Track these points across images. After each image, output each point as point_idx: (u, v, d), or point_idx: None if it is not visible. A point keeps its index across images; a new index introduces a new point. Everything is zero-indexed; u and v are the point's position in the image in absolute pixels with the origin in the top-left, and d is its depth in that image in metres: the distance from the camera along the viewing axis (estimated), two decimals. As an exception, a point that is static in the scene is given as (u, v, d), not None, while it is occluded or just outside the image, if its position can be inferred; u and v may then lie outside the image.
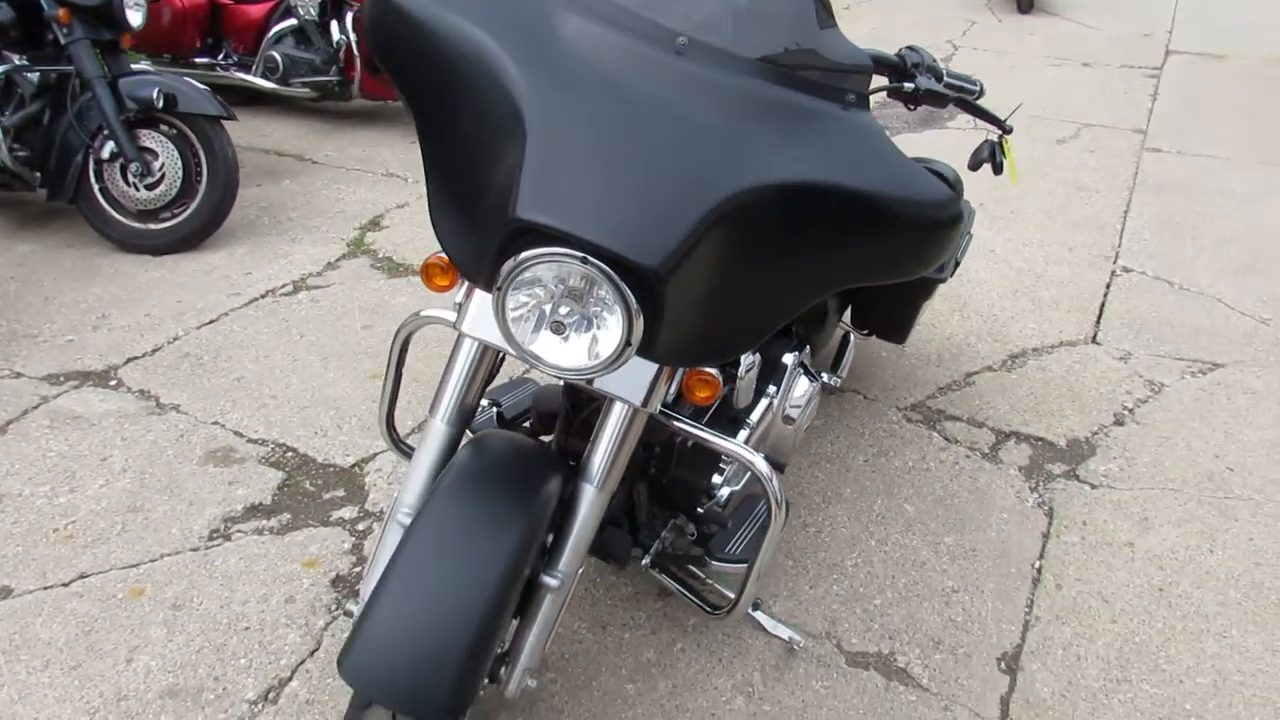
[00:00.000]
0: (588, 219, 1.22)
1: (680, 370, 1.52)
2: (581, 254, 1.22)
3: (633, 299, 1.22)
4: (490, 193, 1.32)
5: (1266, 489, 2.44)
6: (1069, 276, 3.55)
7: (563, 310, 1.30)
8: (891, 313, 2.32)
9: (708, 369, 1.49)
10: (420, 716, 1.23)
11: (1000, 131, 1.76)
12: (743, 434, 1.87)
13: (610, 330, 1.27)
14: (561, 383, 1.83)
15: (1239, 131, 5.17)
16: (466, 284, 1.51)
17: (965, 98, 1.63)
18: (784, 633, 1.92)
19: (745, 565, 1.77)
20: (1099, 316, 3.29)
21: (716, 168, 1.27)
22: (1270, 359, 3.05)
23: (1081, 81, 6.03)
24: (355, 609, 1.50)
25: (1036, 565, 2.18)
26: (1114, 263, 3.69)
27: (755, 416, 1.90)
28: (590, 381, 1.42)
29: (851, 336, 2.45)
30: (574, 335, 1.31)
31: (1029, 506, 2.36)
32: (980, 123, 1.69)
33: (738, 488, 1.87)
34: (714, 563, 1.82)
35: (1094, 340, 3.14)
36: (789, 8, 1.38)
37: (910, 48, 1.61)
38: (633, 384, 1.44)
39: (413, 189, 4.15)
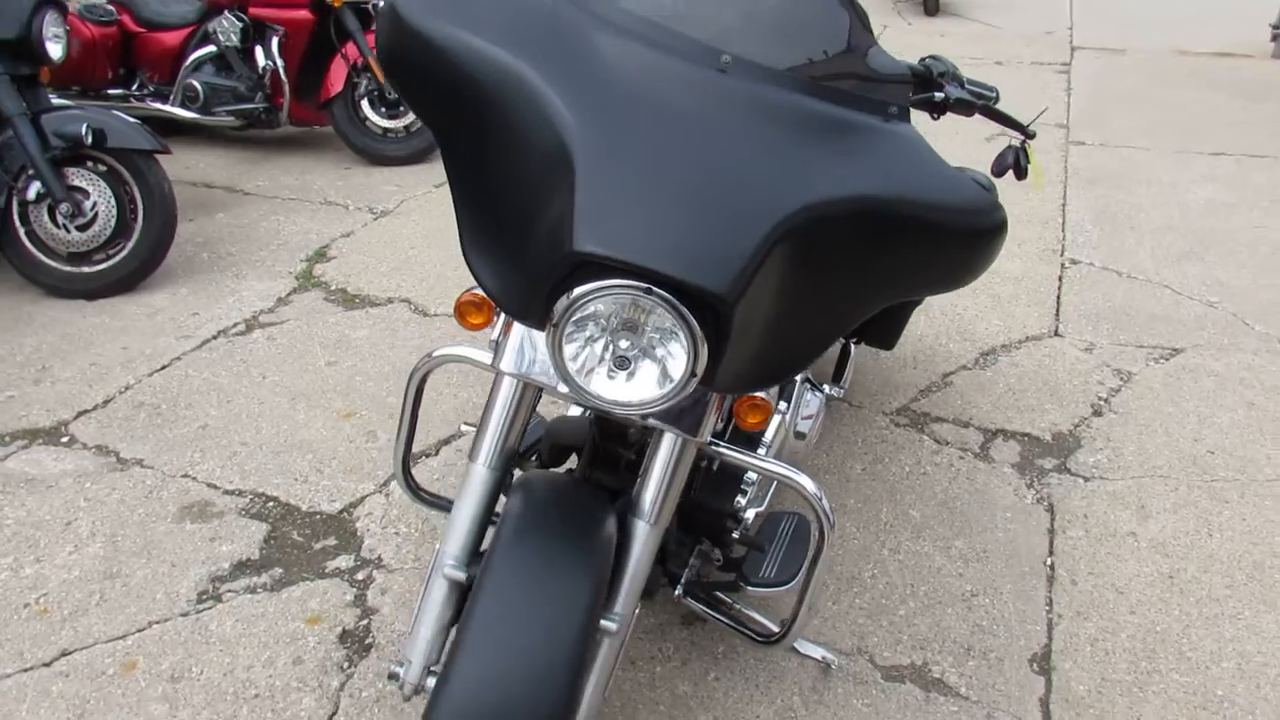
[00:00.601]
0: (650, 248, 1.17)
1: (729, 396, 1.47)
2: (645, 285, 1.17)
3: (698, 328, 1.18)
4: (537, 225, 1.25)
5: (1248, 469, 2.51)
6: (1022, 271, 3.63)
7: (623, 344, 1.24)
8: (886, 320, 2.32)
9: (759, 393, 1.45)
10: None
11: (1023, 136, 1.77)
12: (760, 453, 1.83)
13: (675, 361, 1.22)
14: (584, 413, 1.77)
15: (1152, 122, 5.38)
16: (502, 321, 1.44)
17: (989, 104, 1.63)
18: (816, 652, 1.88)
19: (784, 587, 1.73)
20: (1057, 309, 3.37)
21: (774, 186, 1.23)
22: (1224, 341, 3.15)
23: (998, 79, 6.17)
24: (402, 671, 1.41)
25: (1048, 562, 2.20)
26: (1061, 255, 3.78)
27: (770, 435, 1.87)
28: (644, 415, 1.37)
29: (851, 346, 2.44)
30: (634, 369, 1.26)
31: (1029, 504, 2.38)
32: (1004, 129, 1.70)
33: (762, 508, 1.83)
34: (751, 587, 1.78)
35: (1056, 333, 3.21)
36: (829, 22, 1.36)
37: (934, 57, 1.60)
38: (683, 414, 1.39)
39: (355, 217, 4.01)
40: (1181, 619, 2.04)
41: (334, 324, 3.15)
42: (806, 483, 1.51)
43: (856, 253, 1.31)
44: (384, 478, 2.43)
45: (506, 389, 1.44)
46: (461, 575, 1.41)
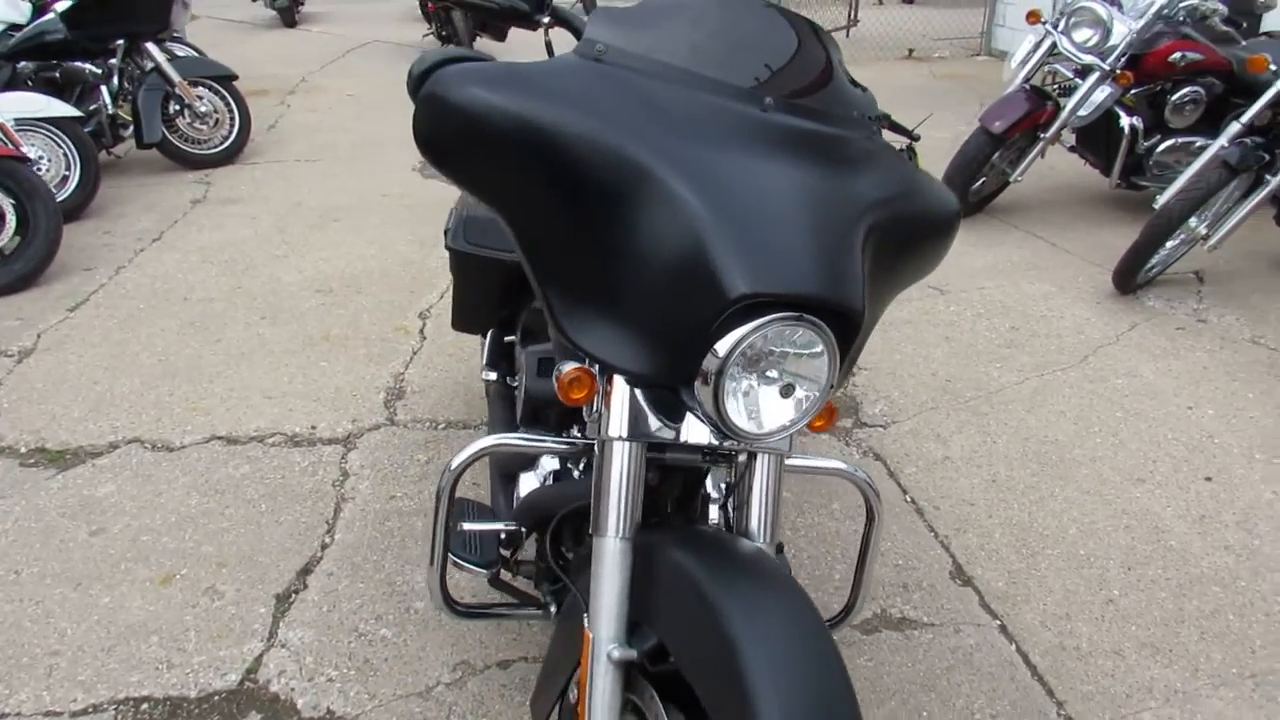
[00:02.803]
0: (795, 277, 1.22)
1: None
2: (796, 313, 1.23)
3: (835, 343, 1.27)
4: (664, 286, 1.25)
5: (981, 385, 3.11)
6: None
7: (771, 374, 1.29)
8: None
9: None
10: None
11: (910, 140, 2.04)
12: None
13: (818, 379, 1.30)
14: (544, 483, 1.76)
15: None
16: (602, 391, 1.38)
17: (887, 115, 1.87)
18: None
19: None
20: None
21: (842, 202, 1.36)
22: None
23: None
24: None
25: (908, 498, 2.55)
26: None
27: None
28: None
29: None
30: (757, 397, 1.31)
31: (859, 457, 2.73)
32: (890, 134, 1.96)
33: None
34: None
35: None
36: (820, 59, 1.50)
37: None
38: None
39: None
40: (1022, 510, 2.51)
41: (59, 490, 2.59)
42: (861, 474, 1.64)
43: (891, 250, 1.48)
44: (264, 629, 2.10)
45: (620, 455, 1.39)
46: (633, 654, 1.34)
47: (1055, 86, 4.40)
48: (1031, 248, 4.31)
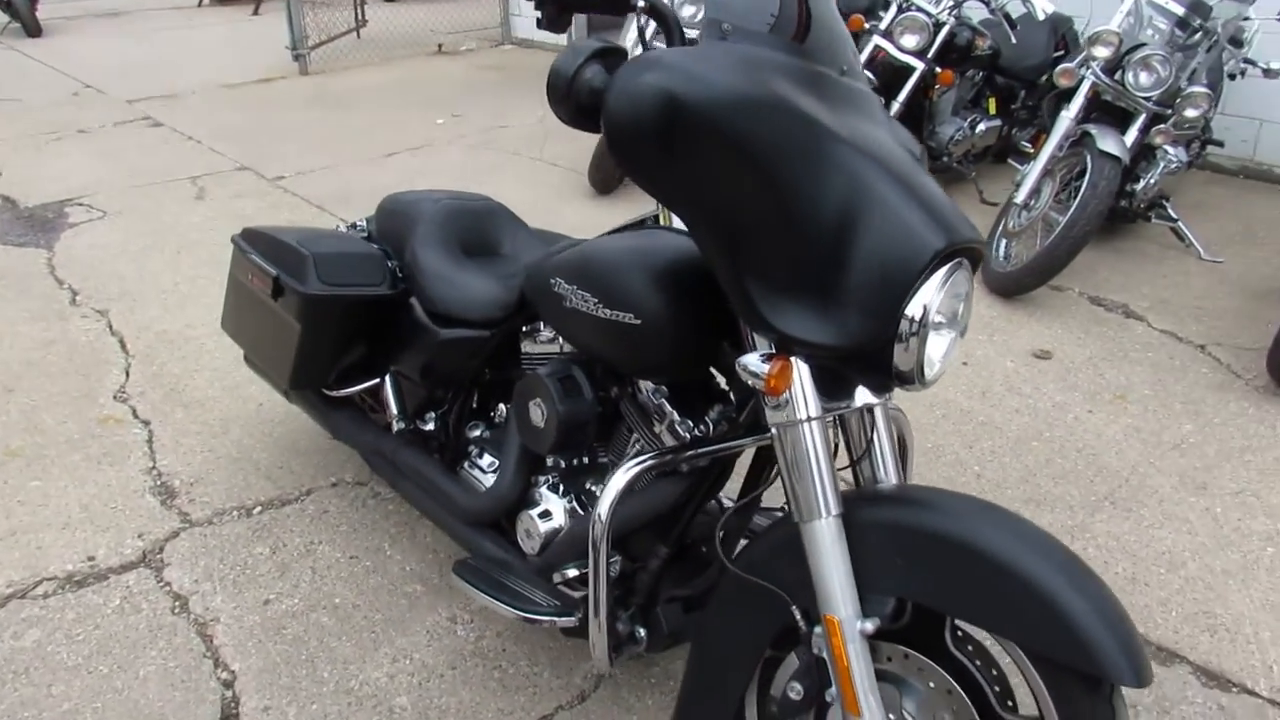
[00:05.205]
0: (960, 226, 1.33)
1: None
2: (959, 259, 1.35)
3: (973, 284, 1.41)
4: (860, 251, 1.28)
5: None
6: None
7: (938, 318, 1.38)
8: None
9: None
10: None
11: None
12: None
13: (964, 318, 1.42)
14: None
15: (307, 144, 5.77)
16: (801, 377, 1.35)
17: None
18: None
19: None
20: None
21: (911, 148, 1.49)
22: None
23: (99, 148, 5.78)
24: None
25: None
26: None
27: None
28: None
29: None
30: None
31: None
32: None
33: None
34: None
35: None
36: (838, 18, 1.58)
37: None
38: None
39: None
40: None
41: None
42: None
43: None
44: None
45: (812, 434, 1.37)
46: (875, 623, 1.35)
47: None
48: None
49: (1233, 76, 4.25)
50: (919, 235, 1.25)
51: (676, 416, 1.63)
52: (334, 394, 2.31)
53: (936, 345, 1.37)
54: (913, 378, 1.33)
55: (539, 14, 1.39)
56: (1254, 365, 3.12)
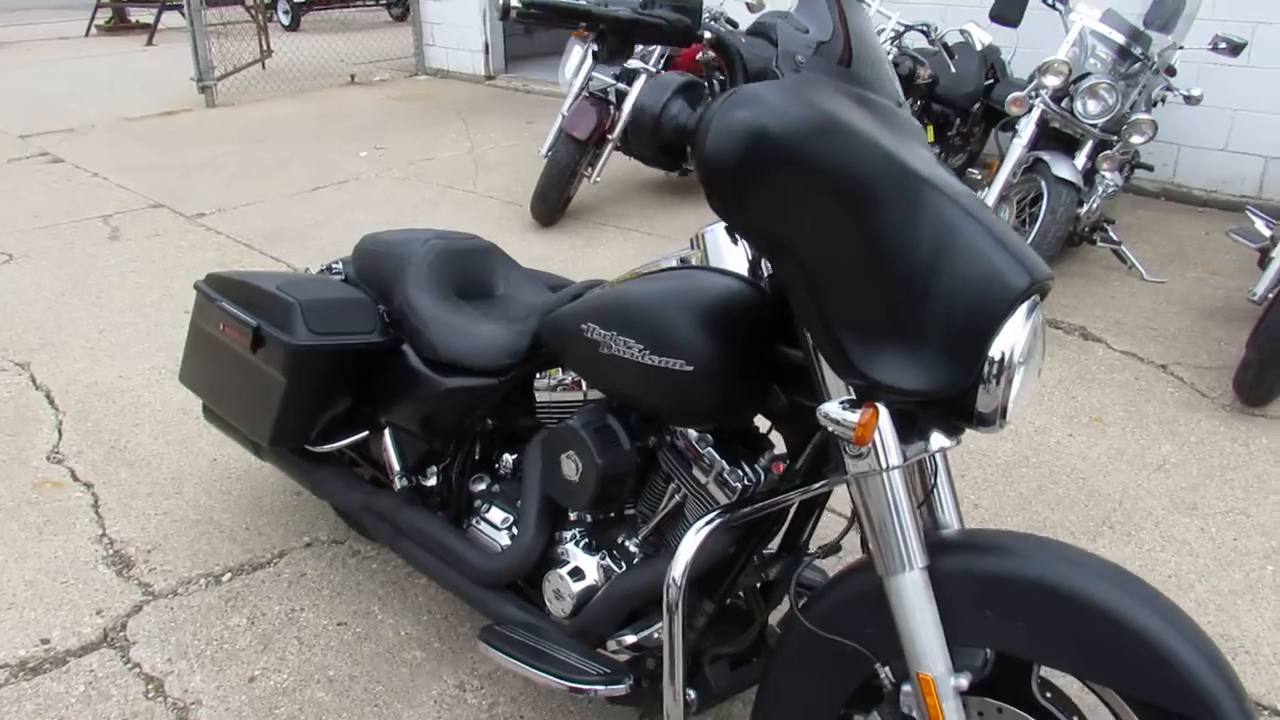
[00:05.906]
0: (1037, 263, 1.29)
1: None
2: (1035, 295, 1.30)
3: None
4: (945, 291, 1.22)
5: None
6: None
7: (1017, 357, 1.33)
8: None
9: None
10: None
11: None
12: None
13: (1039, 352, 1.37)
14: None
15: (224, 179, 5.51)
16: (883, 424, 1.27)
17: None
18: None
19: None
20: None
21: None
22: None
23: (15, 186, 5.42)
24: None
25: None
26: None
27: None
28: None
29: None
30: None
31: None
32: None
33: None
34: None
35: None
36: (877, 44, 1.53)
37: None
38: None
39: None
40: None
41: None
42: None
43: None
44: None
45: (895, 483, 1.30)
46: (968, 679, 1.29)
47: (603, 93, 4.75)
48: (635, 241, 4.64)
49: (1155, 104, 4.42)
50: (1003, 275, 1.21)
51: (725, 466, 1.54)
52: (317, 449, 2.15)
53: (1017, 384, 1.32)
54: (992, 419, 1.28)
55: (594, 47, 1.31)
56: (1217, 384, 3.20)
